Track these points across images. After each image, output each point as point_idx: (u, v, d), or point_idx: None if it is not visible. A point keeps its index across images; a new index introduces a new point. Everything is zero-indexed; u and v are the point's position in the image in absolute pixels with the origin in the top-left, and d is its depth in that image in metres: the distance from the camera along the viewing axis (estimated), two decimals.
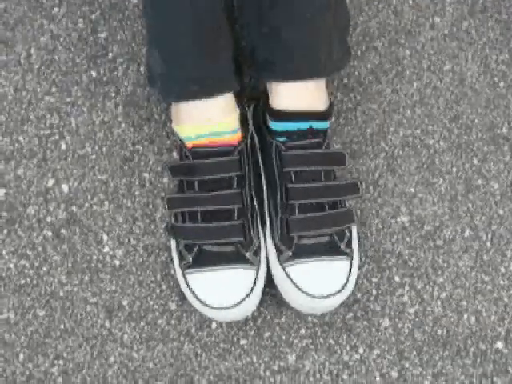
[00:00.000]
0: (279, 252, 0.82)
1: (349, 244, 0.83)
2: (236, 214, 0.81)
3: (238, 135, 0.83)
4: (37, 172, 0.91)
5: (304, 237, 0.81)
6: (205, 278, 0.81)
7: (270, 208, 0.84)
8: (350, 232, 0.84)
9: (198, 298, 0.81)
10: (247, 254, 0.81)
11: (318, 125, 0.82)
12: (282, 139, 0.82)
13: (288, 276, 0.81)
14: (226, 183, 0.81)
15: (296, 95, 0.81)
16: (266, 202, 0.86)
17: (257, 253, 0.83)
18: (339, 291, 0.80)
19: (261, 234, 0.85)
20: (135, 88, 0.94)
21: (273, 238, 0.83)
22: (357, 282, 0.87)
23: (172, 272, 0.88)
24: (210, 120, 0.80)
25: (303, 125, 0.81)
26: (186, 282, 0.82)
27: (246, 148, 0.83)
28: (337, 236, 0.82)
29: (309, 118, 0.81)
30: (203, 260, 0.81)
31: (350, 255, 0.82)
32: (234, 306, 0.80)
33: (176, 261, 0.84)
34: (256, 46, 0.83)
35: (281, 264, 0.82)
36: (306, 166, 0.81)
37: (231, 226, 0.81)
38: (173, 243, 0.85)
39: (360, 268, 0.89)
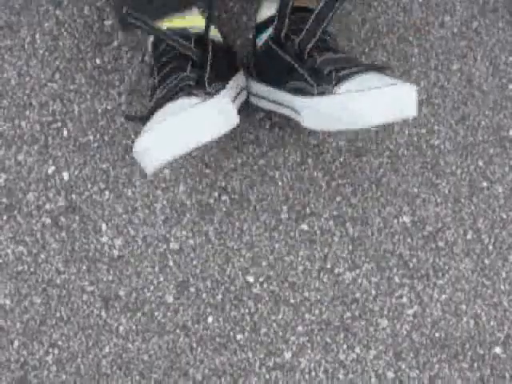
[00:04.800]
0: (321, 93, 0.77)
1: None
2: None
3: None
4: (38, 158, 0.90)
5: (339, 70, 0.77)
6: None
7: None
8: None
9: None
10: (207, 88, 0.77)
11: None
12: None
13: (339, 93, 0.74)
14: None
15: None
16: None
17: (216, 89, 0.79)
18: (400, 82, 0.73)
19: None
20: (139, 77, 0.93)
21: (309, 92, 0.78)
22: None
23: (170, 264, 0.88)
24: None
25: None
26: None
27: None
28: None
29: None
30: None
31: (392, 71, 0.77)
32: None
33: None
34: None
35: (330, 95, 0.75)
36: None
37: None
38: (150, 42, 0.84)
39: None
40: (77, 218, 0.89)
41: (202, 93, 0.74)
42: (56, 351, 0.86)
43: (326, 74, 0.77)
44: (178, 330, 0.87)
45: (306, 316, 0.88)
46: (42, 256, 0.88)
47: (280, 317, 0.88)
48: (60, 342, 0.86)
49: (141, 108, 0.92)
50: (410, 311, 0.88)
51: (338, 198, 0.90)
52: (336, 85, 0.75)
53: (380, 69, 0.77)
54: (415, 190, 0.92)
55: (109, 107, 0.92)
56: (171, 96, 0.74)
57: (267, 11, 0.85)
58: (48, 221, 0.89)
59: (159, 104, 0.73)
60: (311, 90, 0.78)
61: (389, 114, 0.71)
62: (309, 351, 0.87)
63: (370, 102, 0.71)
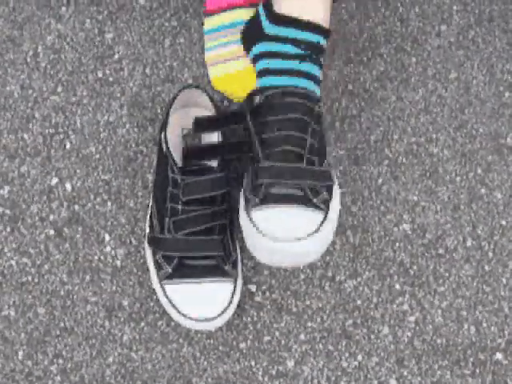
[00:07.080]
0: (247, 202, 0.77)
1: (325, 202, 0.77)
2: (217, 230, 0.83)
3: None
4: (41, 170, 0.91)
5: (273, 185, 0.76)
6: (185, 289, 0.82)
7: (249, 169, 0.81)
8: (330, 193, 0.78)
9: (177, 309, 0.82)
10: (226, 267, 0.82)
11: (323, 41, 0.79)
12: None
13: (251, 219, 0.76)
14: (211, 200, 0.82)
15: (305, 4, 0.77)
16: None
17: (235, 265, 0.84)
18: (306, 237, 0.74)
19: (237, 247, 0.87)
20: (140, 89, 0.94)
21: (244, 192, 0.79)
22: (332, 239, 0.84)
23: None
24: None
25: (313, 37, 0.77)
26: (165, 293, 0.83)
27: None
28: (310, 192, 0.76)
29: (317, 31, 0.77)
30: (183, 271, 0.82)
31: (324, 210, 0.76)
32: (215, 317, 0.81)
33: (152, 270, 0.85)
34: None
35: (247, 211, 0.77)
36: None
37: (212, 240, 0.82)
38: (148, 252, 0.86)
39: (336, 232, 0.87)
40: (80, 228, 0.90)
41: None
42: (60, 361, 0.87)
43: (259, 184, 0.76)
44: (181, 340, 0.87)
45: (308, 324, 0.88)
46: (46, 267, 0.89)
47: (282, 325, 0.88)
48: (64, 353, 0.87)
49: (142, 120, 0.93)
50: (412, 318, 0.89)
51: None
52: (258, 204, 0.75)
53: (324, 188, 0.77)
54: (415, 197, 0.92)
55: (110, 119, 0.93)
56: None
57: None
58: (51, 232, 0.90)
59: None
60: (248, 185, 0.78)
61: (274, 260, 0.76)
62: (311, 359, 0.87)
63: (261, 246, 0.74)
